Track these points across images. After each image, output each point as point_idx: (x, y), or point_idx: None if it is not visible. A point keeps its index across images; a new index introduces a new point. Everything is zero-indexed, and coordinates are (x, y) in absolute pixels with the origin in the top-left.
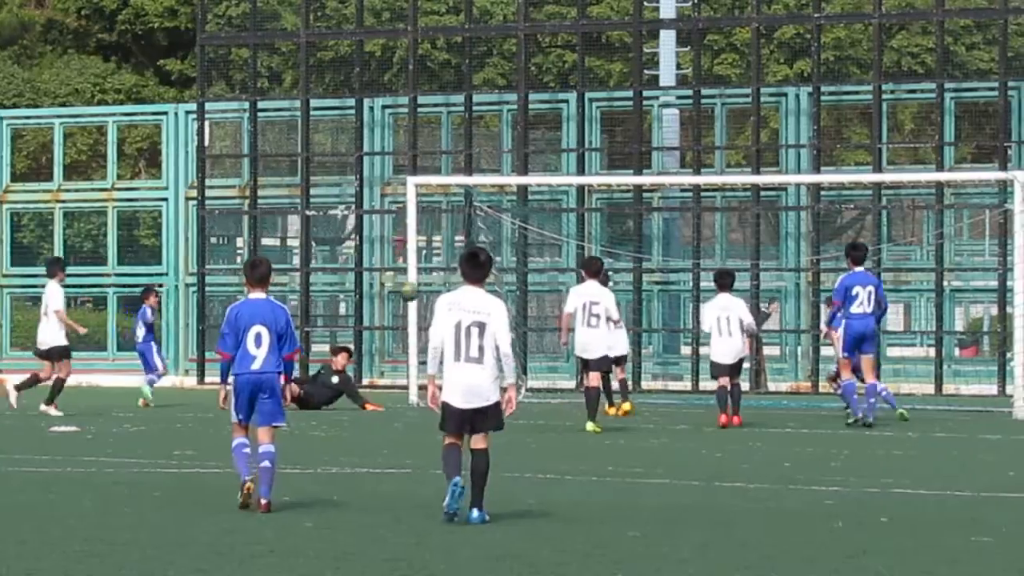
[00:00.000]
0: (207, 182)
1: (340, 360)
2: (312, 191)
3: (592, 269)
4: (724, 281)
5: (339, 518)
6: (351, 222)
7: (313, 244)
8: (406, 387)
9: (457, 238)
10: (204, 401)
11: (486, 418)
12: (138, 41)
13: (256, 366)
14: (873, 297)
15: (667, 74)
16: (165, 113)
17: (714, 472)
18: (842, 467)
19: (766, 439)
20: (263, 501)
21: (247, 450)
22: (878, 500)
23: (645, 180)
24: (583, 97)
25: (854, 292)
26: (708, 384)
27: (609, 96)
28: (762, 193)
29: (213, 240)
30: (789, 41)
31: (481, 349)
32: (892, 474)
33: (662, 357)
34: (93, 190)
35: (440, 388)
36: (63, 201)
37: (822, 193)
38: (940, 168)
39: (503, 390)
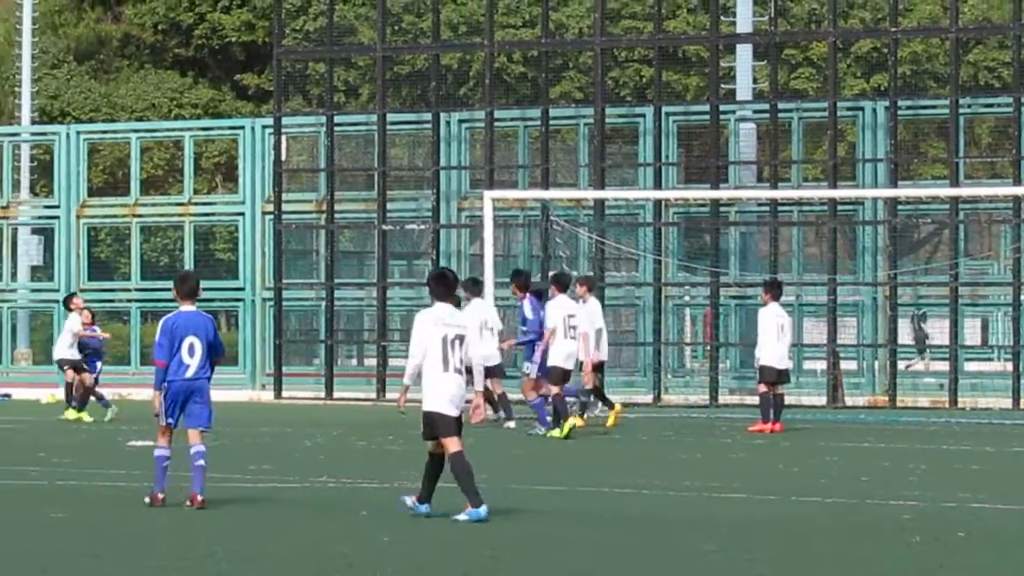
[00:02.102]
0: (284, 196)
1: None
2: (389, 205)
3: (564, 283)
4: (778, 291)
5: (415, 532)
6: (428, 237)
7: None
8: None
9: (534, 252)
10: (281, 415)
11: (459, 424)
12: (215, 55)
13: (189, 374)
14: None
15: (744, 88)
16: (242, 127)
17: (791, 486)
18: (919, 482)
19: (843, 453)
20: (199, 498)
21: (167, 463)
22: (956, 515)
23: (722, 194)
24: (660, 111)
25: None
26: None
27: (686, 110)
28: (839, 207)
29: (290, 254)
30: (866, 55)
31: (461, 360)
32: (970, 489)
33: (739, 372)
34: (169, 204)
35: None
36: (140, 216)
37: (899, 207)
38: (1017, 182)
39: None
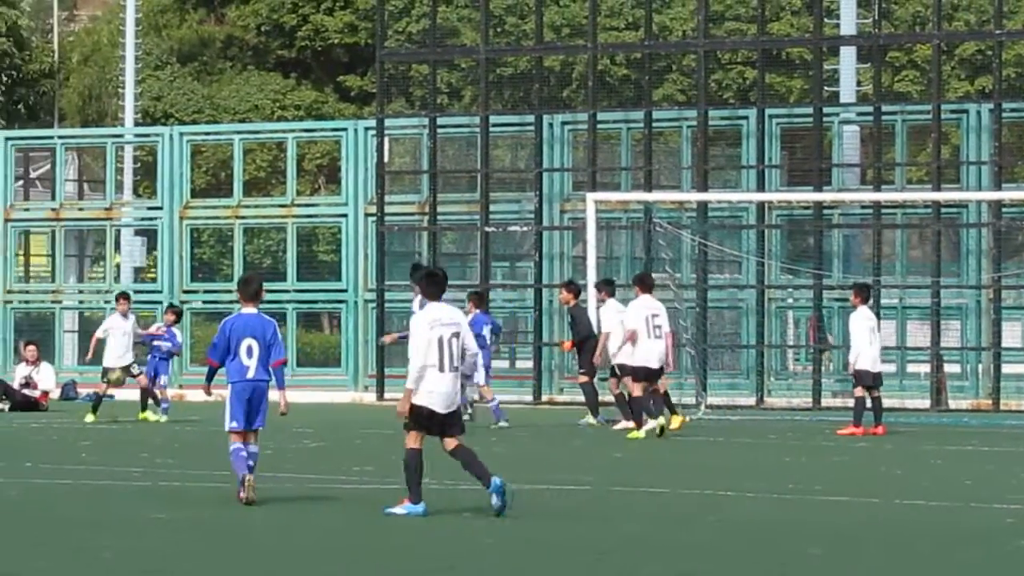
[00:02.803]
0: (386, 198)
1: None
2: (491, 207)
3: (647, 284)
4: (867, 294)
5: (518, 534)
6: (530, 239)
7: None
8: (584, 403)
9: (637, 255)
10: (383, 417)
11: (457, 421)
12: (318, 57)
13: (251, 375)
14: None
15: (847, 91)
16: (344, 129)
17: (894, 489)
18: (1023, 485)
19: (947, 457)
20: (249, 476)
21: (244, 453)
22: None
23: (825, 197)
24: (763, 113)
25: None
26: (888, 402)
27: (789, 112)
28: (943, 210)
29: (392, 256)
30: (970, 57)
31: (459, 358)
32: None
33: (842, 374)
34: (272, 206)
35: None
36: (243, 217)
37: (1003, 210)
38: None
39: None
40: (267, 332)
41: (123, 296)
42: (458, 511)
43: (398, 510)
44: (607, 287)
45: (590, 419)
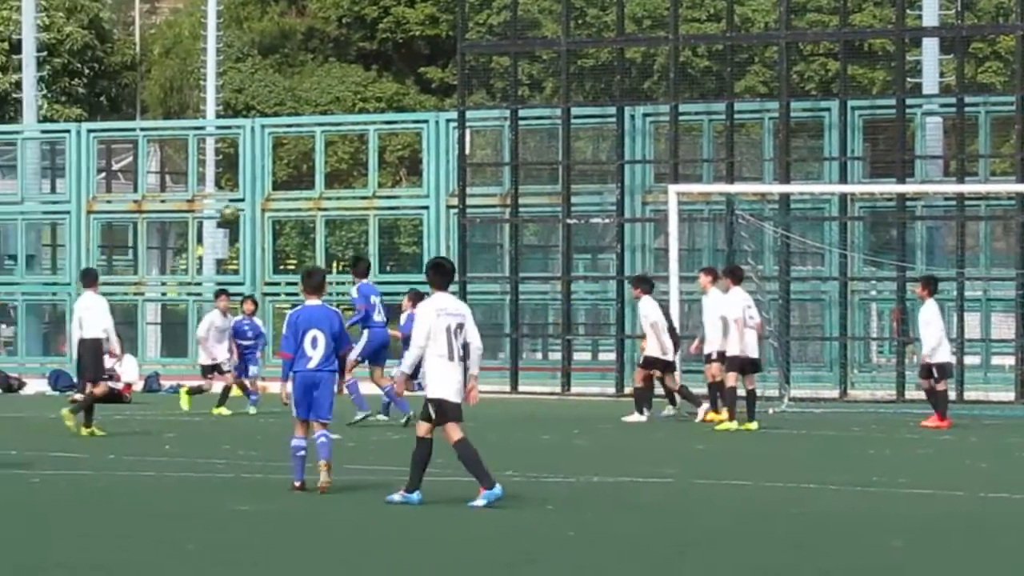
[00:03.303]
0: (468, 190)
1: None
2: (573, 199)
3: (739, 276)
4: (934, 286)
5: (601, 527)
6: (612, 230)
7: (574, 253)
8: (664, 397)
9: (719, 247)
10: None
11: (458, 411)
12: (399, 49)
13: (311, 365)
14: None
15: (930, 82)
16: (426, 121)
17: (979, 482)
18: None
19: None
20: (322, 462)
21: (302, 453)
22: None
23: (908, 188)
24: (845, 105)
25: (372, 301)
26: (972, 394)
27: (871, 104)
28: None
29: (474, 248)
30: None
31: (464, 348)
32: None
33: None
34: (354, 198)
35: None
36: (324, 209)
37: None
38: None
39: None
40: (333, 323)
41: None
42: (541, 503)
43: (396, 497)
44: (643, 284)
45: (670, 409)
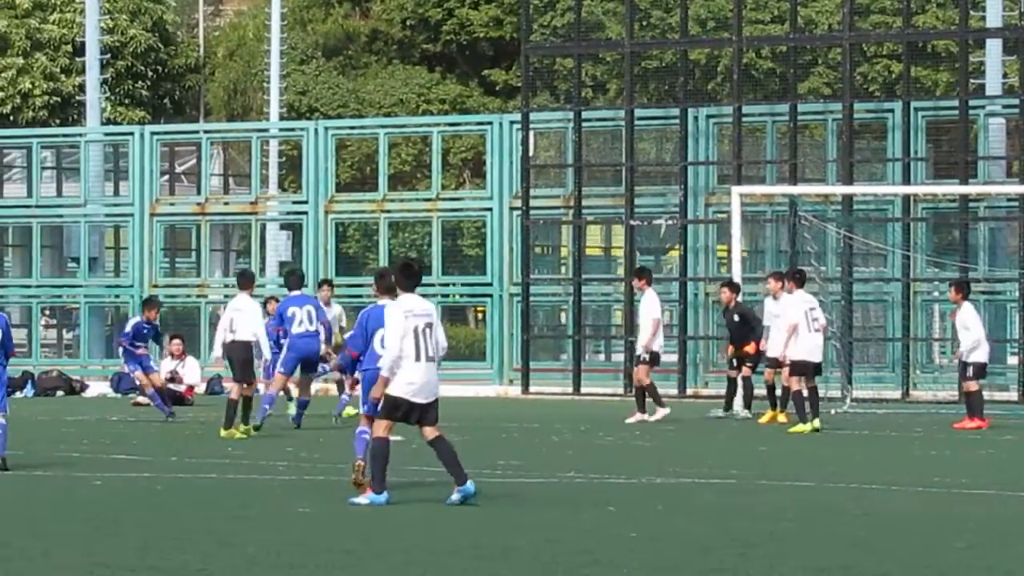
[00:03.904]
0: (531, 192)
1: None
2: (636, 200)
3: (801, 278)
4: (968, 290)
5: (663, 528)
6: (675, 232)
7: (637, 254)
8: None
9: (782, 248)
10: (528, 411)
11: (434, 411)
12: (463, 51)
13: (381, 362)
14: (313, 317)
15: (993, 83)
16: (489, 123)
17: None
18: None
19: None
20: (358, 462)
21: (367, 436)
22: None
23: (971, 189)
24: (908, 106)
25: (290, 313)
26: None
27: (935, 105)
28: None
29: (537, 250)
30: None
31: (434, 348)
32: None
33: (988, 367)
34: (417, 200)
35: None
36: (387, 211)
37: None
38: None
39: None
40: None
41: (326, 282)
42: (603, 505)
43: (361, 500)
44: (645, 276)
45: (745, 412)
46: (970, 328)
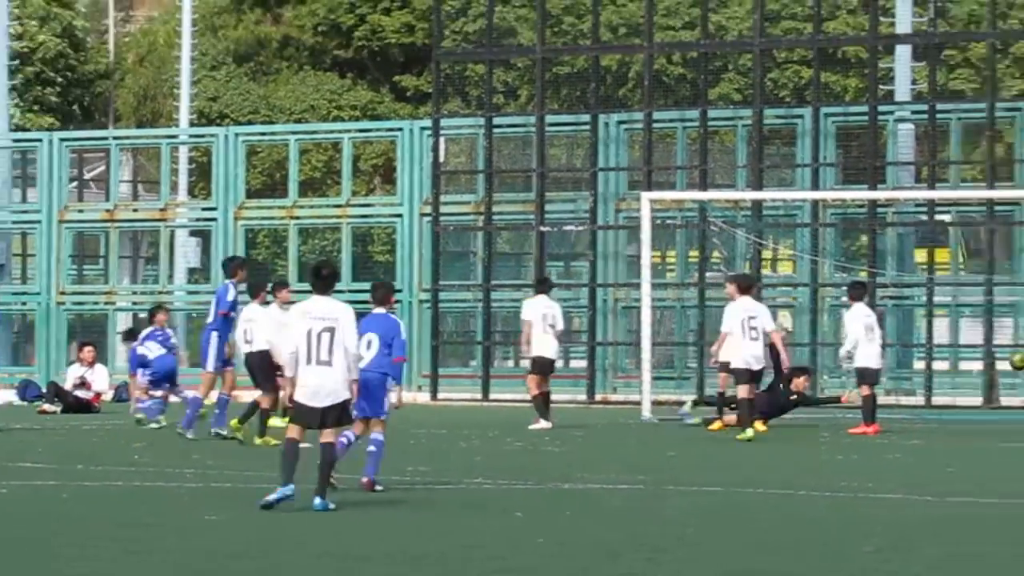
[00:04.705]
0: (442, 198)
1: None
2: (547, 207)
3: (745, 285)
4: (862, 292)
5: (571, 534)
6: (585, 238)
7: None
8: (639, 403)
9: (691, 254)
10: (437, 417)
11: (334, 415)
12: (374, 57)
13: (363, 364)
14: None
15: (902, 89)
16: (400, 129)
17: (946, 487)
18: None
19: (999, 454)
20: (364, 480)
21: (373, 447)
22: None
23: (880, 195)
24: (818, 112)
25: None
26: (940, 399)
27: (844, 111)
28: (997, 208)
29: (447, 256)
30: None
31: (331, 352)
32: None
33: (895, 372)
34: (327, 206)
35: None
36: (297, 218)
37: None
38: None
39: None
40: (389, 330)
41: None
42: (511, 511)
43: (271, 497)
44: (541, 285)
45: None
46: (848, 332)
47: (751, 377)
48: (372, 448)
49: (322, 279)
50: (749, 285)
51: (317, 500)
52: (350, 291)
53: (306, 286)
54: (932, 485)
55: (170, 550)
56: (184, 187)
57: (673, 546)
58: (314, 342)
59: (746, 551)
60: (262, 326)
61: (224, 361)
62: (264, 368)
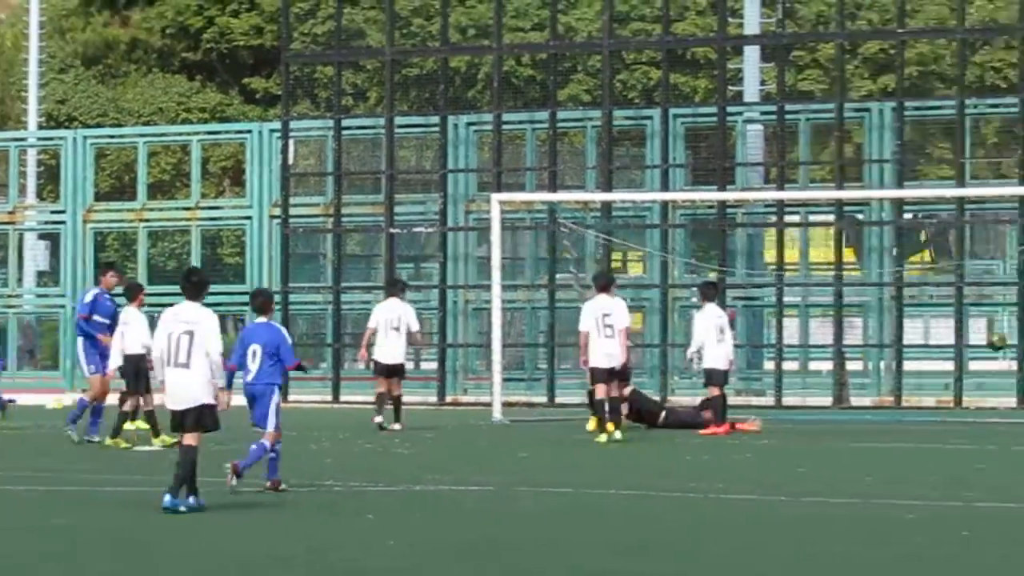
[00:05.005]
0: (291, 200)
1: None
2: (396, 209)
3: (601, 283)
4: (712, 292)
5: (422, 535)
6: (435, 240)
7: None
8: (490, 404)
9: (541, 255)
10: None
11: (192, 417)
12: (223, 60)
13: (249, 378)
14: None
15: (751, 90)
16: (249, 132)
17: (797, 487)
18: (924, 481)
19: (849, 454)
20: (267, 483)
21: (273, 454)
22: (960, 514)
23: (729, 196)
24: (667, 113)
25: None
26: (790, 399)
27: (693, 112)
28: (845, 208)
29: (296, 258)
30: (873, 56)
31: (189, 355)
32: (974, 488)
33: (745, 373)
34: (177, 209)
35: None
36: (147, 220)
37: (905, 208)
38: (1023, 182)
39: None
40: (272, 340)
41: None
42: (362, 513)
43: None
44: (391, 288)
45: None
46: (695, 332)
47: (607, 376)
48: (272, 455)
49: (191, 285)
50: (606, 283)
51: (167, 498)
52: None
53: (157, 289)
54: (783, 485)
55: (11, 555)
56: (32, 190)
57: (524, 547)
58: (173, 345)
59: (597, 552)
60: (135, 329)
61: (100, 366)
62: (136, 371)
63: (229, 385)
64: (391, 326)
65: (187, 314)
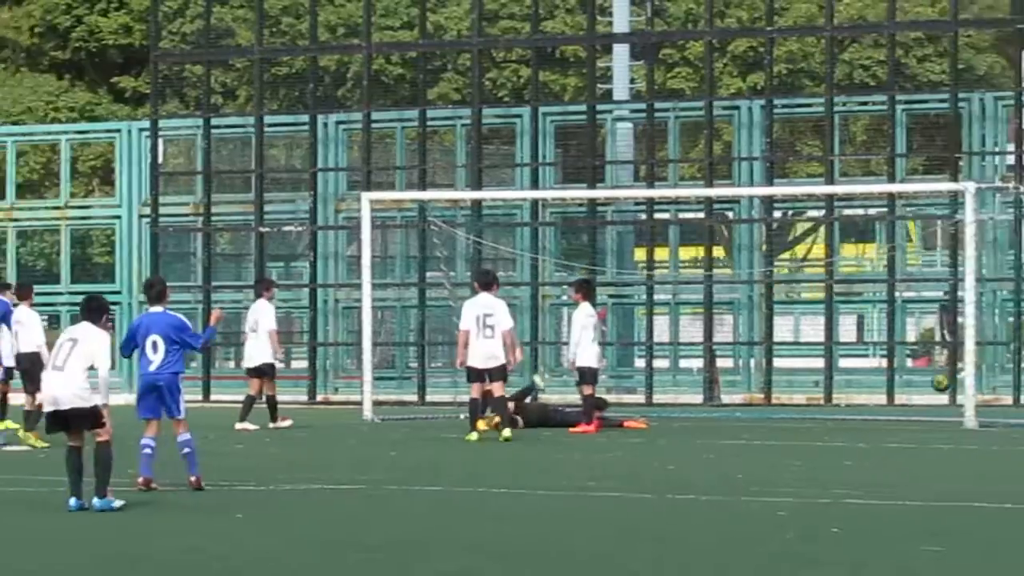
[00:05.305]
0: (161, 199)
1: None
2: (266, 208)
3: (484, 281)
4: (588, 289)
5: (294, 534)
6: (305, 238)
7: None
8: (360, 403)
9: (412, 253)
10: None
11: (75, 420)
12: (92, 59)
13: (151, 368)
14: None
15: (621, 88)
16: (118, 131)
17: (667, 484)
18: (794, 478)
19: (719, 451)
20: (192, 478)
21: (148, 450)
22: (830, 510)
23: (599, 194)
24: (537, 111)
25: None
26: (661, 396)
27: (563, 110)
28: (715, 205)
29: (167, 258)
30: (742, 54)
31: (66, 360)
32: (844, 484)
33: (616, 371)
34: (46, 208)
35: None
36: (16, 220)
37: (775, 205)
38: (892, 180)
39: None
40: (173, 328)
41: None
42: (232, 512)
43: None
44: (261, 285)
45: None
46: (573, 330)
47: (480, 376)
48: (186, 450)
49: (86, 309)
50: (487, 282)
51: (96, 500)
52: (69, 293)
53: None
54: (652, 482)
55: None
56: None
57: (392, 546)
58: (57, 350)
59: (463, 551)
60: (29, 328)
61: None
62: (32, 370)
63: None
64: (250, 328)
65: (77, 331)
